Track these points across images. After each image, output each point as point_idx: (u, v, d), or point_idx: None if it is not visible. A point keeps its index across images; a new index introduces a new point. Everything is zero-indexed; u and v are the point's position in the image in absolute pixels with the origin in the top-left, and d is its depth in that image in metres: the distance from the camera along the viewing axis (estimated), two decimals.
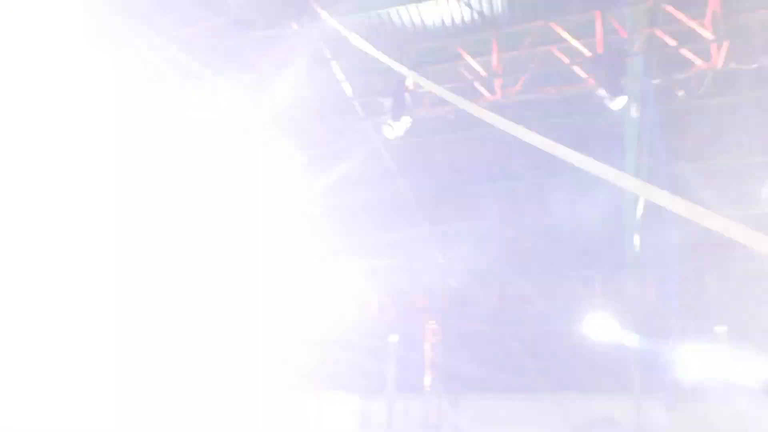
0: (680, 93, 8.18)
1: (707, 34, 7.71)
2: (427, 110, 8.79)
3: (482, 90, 8.64)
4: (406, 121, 8.40)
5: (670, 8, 7.92)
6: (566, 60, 8.50)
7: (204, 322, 10.52)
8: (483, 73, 8.49)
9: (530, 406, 17.74)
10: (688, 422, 16.50)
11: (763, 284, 12.92)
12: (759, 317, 13.27)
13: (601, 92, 7.86)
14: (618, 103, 7.92)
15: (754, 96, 11.30)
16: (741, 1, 7.90)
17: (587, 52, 8.13)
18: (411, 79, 7.58)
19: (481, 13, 8.82)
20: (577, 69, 8.36)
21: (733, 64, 7.73)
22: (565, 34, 8.30)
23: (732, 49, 7.62)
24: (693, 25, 7.81)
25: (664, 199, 2.42)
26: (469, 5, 9.84)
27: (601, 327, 14.81)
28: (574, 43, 8.21)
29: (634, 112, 10.02)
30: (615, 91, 7.79)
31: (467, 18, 9.52)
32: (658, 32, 8.13)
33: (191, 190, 9.90)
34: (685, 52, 7.93)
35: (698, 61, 7.87)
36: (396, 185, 13.70)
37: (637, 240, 14.85)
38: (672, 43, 8.00)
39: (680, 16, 7.85)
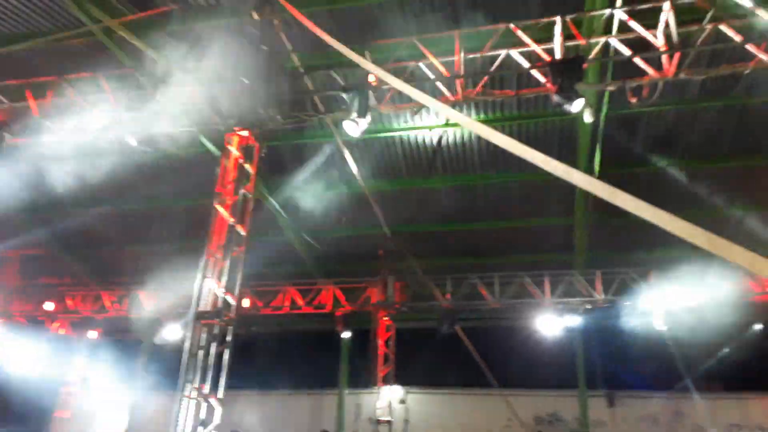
0: (633, 100, 8.43)
1: (660, 45, 7.99)
2: (390, 107, 8.77)
3: (444, 90, 8.68)
4: (368, 119, 8.35)
5: (625, 18, 8.17)
6: (526, 63, 8.63)
7: None
8: (446, 73, 8.53)
9: (478, 402, 18.08)
10: (628, 419, 17.16)
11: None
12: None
13: (558, 96, 8.02)
14: (574, 108, 8.10)
15: (701, 106, 11.84)
16: (692, 13, 8.21)
17: (546, 57, 8.28)
18: (375, 75, 7.53)
19: (444, 13, 8.89)
20: (535, 72, 8.50)
21: (683, 74, 8.03)
22: (525, 38, 8.44)
23: (683, 59, 7.92)
24: (647, 35, 8.08)
25: (627, 201, 2.46)
26: (432, 5, 9.90)
27: (548, 326, 15.19)
28: (534, 47, 8.35)
29: (588, 117, 10.29)
30: (571, 96, 7.97)
31: (430, 18, 9.59)
32: (614, 40, 8.37)
33: None
34: (638, 60, 8.18)
35: (650, 70, 8.13)
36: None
37: (584, 240, 15.30)
38: (627, 51, 8.24)
39: (635, 25, 8.11)
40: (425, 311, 16.71)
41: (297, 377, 19.13)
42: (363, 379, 17.34)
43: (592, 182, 2.51)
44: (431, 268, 16.61)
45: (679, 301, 14.61)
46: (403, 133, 13.11)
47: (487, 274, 15.55)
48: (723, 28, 7.98)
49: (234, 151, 9.04)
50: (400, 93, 8.71)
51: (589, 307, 16.08)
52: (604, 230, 15.35)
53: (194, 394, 7.30)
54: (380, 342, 16.64)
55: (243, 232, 8.47)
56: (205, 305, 7.92)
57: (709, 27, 8.12)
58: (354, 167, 12.60)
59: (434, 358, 21.05)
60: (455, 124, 12.06)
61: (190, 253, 12.47)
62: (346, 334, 16.20)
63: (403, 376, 17.16)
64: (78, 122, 10.23)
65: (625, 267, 14.92)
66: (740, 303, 14.57)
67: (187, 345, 7.57)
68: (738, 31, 8.00)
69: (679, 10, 8.01)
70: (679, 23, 7.94)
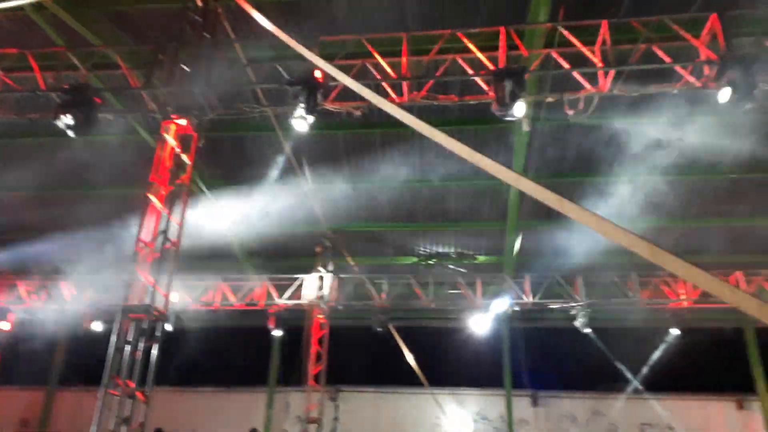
0: (570, 112, 8.80)
1: (596, 61, 8.38)
2: (335, 105, 8.73)
3: (389, 91, 8.73)
4: (311, 110, 8.28)
5: (566, 33, 8.50)
6: (470, 70, 8.82)
7: None
8: (392, 74, 8.58)
9: (409, 401, 18.31)
10: (551, 417, 17.86)
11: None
12: None
13: (499, 105, 8.25)
14: (513, 116, 8.36)
15: (632, 121, 12.46)
16: (627, 33, 8.65)
17: (490, 65, 8.49)
18: (322, 70, 7.48)
19: (393, 14, 8.95)
20: (479, 80, 8.71)
21: (617, 91, 8.45)
22: (470, 45, 8.61)
23: (617, 76, 8.33)
24: (585, 51, 8.44)
25: (573, 210, 2.56)
26: (381, 4, 9.92)
27: (478, 327, 15.57)
28: (479, 54, 8.55)
29: (525, 127, 10.64)
30: (512, 105, 8.21)
31: (378, 18, 9.60)
32: (555, 53, 8.69)
33: None
34: (576, 74, 8.54)
35: (587, 85, 8.51)
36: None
37: (516, 245, 15.78)
38: (566, 65, 8.58)
39: (574, 41, 8.45)
40: (360, 310, 16.77)
41: (227, 374, 18.72)
42: (294, 377, 17.18)
43: (541, 191, 2.59)
44: (368, 267, 16.69)
45: (600, 306, 15.36)
46: (347, 132, 13.08)
47: (422, 275, 15.80)
48: (655, 49, 8.44)
49: (170, 140, 8.74)
50: (346, 90, 8.69)
51: (517, 309, 16.65)
52: (534, 236, 15.90)
53: (119, 390, 7.01)
54: (313, 340, 16.54)
55: (176, 224, 8.21)
56: (134, 299, 7.62)
57: (642, 47, 8.58)
58: (295, 163, 12.46)
59: (367, 357, 21.15)
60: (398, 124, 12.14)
61: (119, 243, 11.98)
62: (278, 332, 15.99)
63: (335, 375, 17.13)
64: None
65: (554, 272, 15.51)
66: (658, 309, 15.51)
67: (113, 339, 7.26)
68: (666, 52, 8.50)
69: (615, 29, 8.42)
70: (615, 42, 8.34)
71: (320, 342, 16.57)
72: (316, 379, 16.29)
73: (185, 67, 8.84)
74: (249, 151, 13.70)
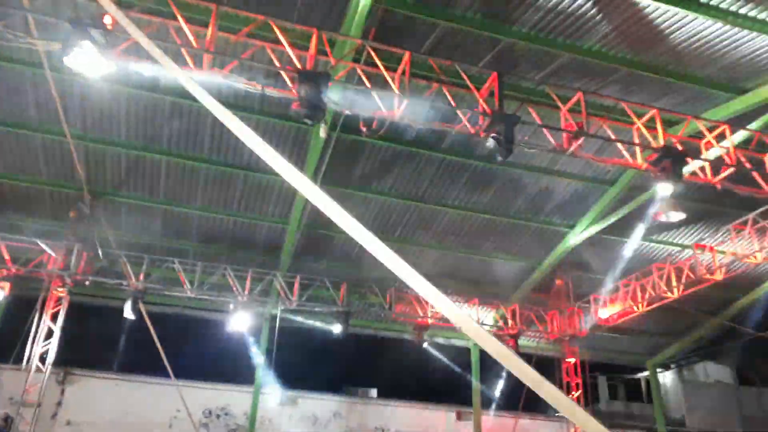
0: (364, 129, 9.21)
1: (395, 87, 8.91)
2: (122, 57, 7.84)
3: (189, 60, 8.16)
4: (96, 58, 7.33)
5: (373, 53, 8.90)
6: (277, 63, 8.70)
7: None
8: (194, 43, 8.03)
9: (148, 391, 17.14)
10: (294, 416, 18.28)
11: None
12: None
13: (300, 106, 8.25)
14: (312, 120, 8.46)
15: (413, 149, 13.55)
16: (428, 70, 9.40)
17: (298, 63, 8.47)
18: (113, 17, 6.65)
19: None
20: (284, 75, 8.63)
21: (407, 120, 9.10)
22: (282, 38, 8.50)
23: (409, 106, 8.96)
24: (386, 75, 8.92)
25: (341, 217, 2.64)
26: None
27: (240, 322, 15.23)
28: (288, 49, 8.47)
29: (322, 133, 10.87)
30: (312, 109, 8.28)
31: None
32: (360, 70, 9.03)
33: None
34: (375, 95, 8.99)
35: (383, 107, 9.01)
36: None
37: (292, 244, 15.95)
38: (367, 84, 8.98)
39: (379, 63, 8.88)
40: (112, 289, 15.26)
41: None
42: (14, 352, 14.83)
43: (328, 202, 2.63)
44: (131, 243, 15.31)
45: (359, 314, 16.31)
46: (134, 91, 11.91)
47: (189, 261, 15.01)
48: (445, 90, 9.30)
49: None
50: (140, 47, 7.89)
51: (282, 308, 16.79)
52: (312, 239, 16.28)
53: None
54: (47, 314, 14.48)
55: None
56: None
57: (435, 86, 9.40)
58: (61, 111, 10.93)
59: (111, 341, 19.29)
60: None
61: None
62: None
63: (66, 355, 15.26)
64: None
65: (324, 276, 16.02)
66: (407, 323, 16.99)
67: None
68: (453, 96, 9.43)
69: (416, 63, 9.07)
70: (413, 74, 8.99)
71: (55, 318, 14.57)
72: (42, 358, 14.28)
73: None
74: (5, 83, 11.68)
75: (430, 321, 16.36)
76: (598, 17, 9.98)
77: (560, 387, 16.55)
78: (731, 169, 10.12)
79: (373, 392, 20.46)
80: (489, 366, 18.93)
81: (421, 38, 10.46)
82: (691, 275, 14.36)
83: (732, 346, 20.74)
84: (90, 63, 7.54)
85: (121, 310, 14.03)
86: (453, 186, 14.64)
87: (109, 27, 7.54)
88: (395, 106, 8.96)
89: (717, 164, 10.32)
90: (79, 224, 13.88)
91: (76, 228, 13.84)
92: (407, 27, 10.28)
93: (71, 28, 7.37)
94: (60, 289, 14.29)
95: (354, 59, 9.29)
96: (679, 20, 9.84)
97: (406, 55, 8.89)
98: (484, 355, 19.46)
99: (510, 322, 16.99)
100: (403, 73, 8.85)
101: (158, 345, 14.00)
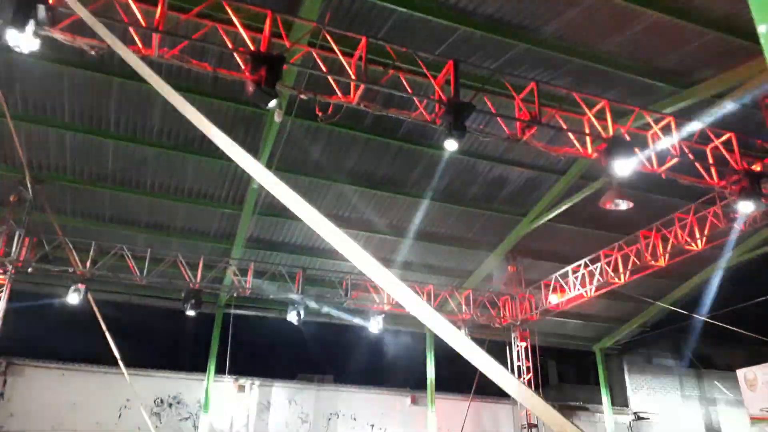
0: (320, 114, 9.10)
1: (351, 73, 8.82)
2: (66, 36, 7.47)
3: (137, 39, 7.85)
4: (32, 38, 6.97)
5: (329, 38, 8.77)
6: (230, 44, 8.48)
7: None
8: (142, 22, 7.73)
9: (97, 380, 16.69)
10: (248, 404, 18.13)
11: None
12: None
13: (254, 89, 8.07)
14: (268, 104, 8.29)
15: (368, 136, 13.49)
16: (384, 56, 9.33)
17: (251, 45, 8.28)
18: None
19: None
20: (237, 57, 8.41)
21: (363, 105, 9.04)
22: (235, 19, 8.28)
23: (366, 92, 8.90)
24: (343, 60, 8.82)
25: (293, 202, 2.60)
26: None
27: (189, 309, 14.94)
28: (242, 31, 8.26)
29: (277, 118, 10.68)
30: (265, 92, 8.11)
31: None
32: (316, 54, 8.90)
33: None
34: (331, 80, 8.89)
35: (339, 93, 8.92)
36: None
37: (246, 231, 15.70)
38: (323, 69, 8.86)
39: (335, 48, 8.77)
40: (57, 276, 14.73)
41: None
42: None
43: (277, 185, 2.59)
44: (77, 230, 14.77)
45: (313, 302, 16.26)
46: (79, 71, 11.41)
47: (139, 248, 14.61)
48: (401, 77, 9.27)
49: None
50: (83, 23, 7.54)
51: (235, 295, 16.58)
52: (266, 226, 16.07)
53: None
54: None
55: None
56: None
57: (391, 72, 9.36)
58: None
59: (56, 329, 18.66)
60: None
61: None
62: None
63: (9, 345, 14.68)
64: None
65: (279, 263, 15.86)
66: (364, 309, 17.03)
67: None
68: (410, 83, 9.43)
69: (373, 49, 8.99)
70: (369, 60, 8.91)
71: None
72: None
73: None
74: None
75: (385, 307, 16.45)
76: (553, 8, 10.13)
77: (512, 371, 16.99)
78: (675, 160, 10.51)
79: (329, 379, 20.54)
80: (443, 351, 19.24)
81: (379, 24, 10.38)
82: (637, 262, 14.90)
83: (674, 330, 21.70)
84: (30, 39, 7.16)
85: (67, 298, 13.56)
86: (409, 173, 14.68)
87: (51, 1, 7.17)
88: (351, 91, 8.89)
89: (662, 155, 10.69)
90: (20, 209, 13.28)
91: (17, 213, 13.25)
92: (364, 12, 10.19)
93: (14, 2, 6.97)
94: (1, 277, 13.67)
95: (310, 43, 9.14)
96: (631, 11, 10.08)
97: (363, 41, 8.81)
98: (438, 341, 19.76)
99: (464, 307, 17.27)
100: (360, 58, 8.78)
101: (106, 333, 13.58)
